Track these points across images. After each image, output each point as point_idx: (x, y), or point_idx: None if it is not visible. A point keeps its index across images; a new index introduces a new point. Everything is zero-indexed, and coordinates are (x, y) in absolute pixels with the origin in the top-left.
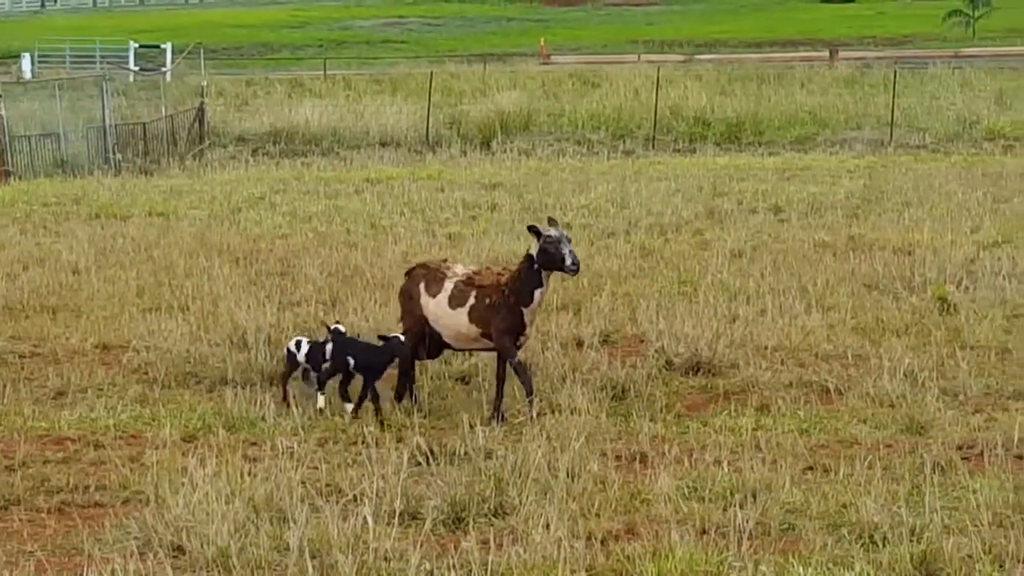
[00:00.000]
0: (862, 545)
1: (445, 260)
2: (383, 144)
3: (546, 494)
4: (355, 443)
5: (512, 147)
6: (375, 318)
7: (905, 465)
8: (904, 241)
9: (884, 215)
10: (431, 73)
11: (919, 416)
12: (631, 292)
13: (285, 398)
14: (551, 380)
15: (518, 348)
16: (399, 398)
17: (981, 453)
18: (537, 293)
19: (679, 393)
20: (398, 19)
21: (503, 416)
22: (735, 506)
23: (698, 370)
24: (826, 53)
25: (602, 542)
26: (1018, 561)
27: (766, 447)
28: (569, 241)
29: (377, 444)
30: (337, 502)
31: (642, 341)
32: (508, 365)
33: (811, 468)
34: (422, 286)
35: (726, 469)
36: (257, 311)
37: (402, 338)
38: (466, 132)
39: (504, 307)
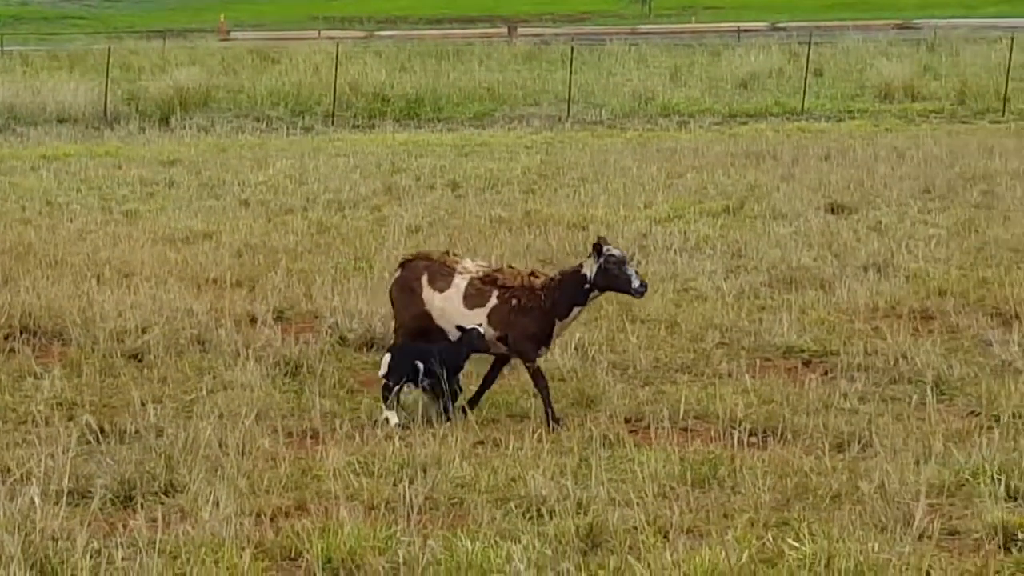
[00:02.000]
0: (529, 518)
1: (448, 252)
2: (60, 121)
3: (216, 471)
4: (24, 422)
5: (191, 124)
6: (47, 295)
7: (574, 438)
8: (579, 216)
9: (560, 191)
10: (109, 49)
11: (589, 390)
12: (307, 268)
13: None
14: (224, 357)
15: (538, 356)
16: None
17: (648, 426)
18: (576, 310)
19: (352, 369)
20: None
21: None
22: (405, 481)
23: (372, 346)
24: (505, 29)
25: (271, 519)
26: (682, 531)
27: (437, 422)
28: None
29: (47, 423)
30: (4, 482)
31: (316, 317)
32: (527, 371)
33: (481, 443)
34: (424, 279)
35: (397, 444)
36: None
37: (480, 330)
38: (145, 109)
39: (537, 311)
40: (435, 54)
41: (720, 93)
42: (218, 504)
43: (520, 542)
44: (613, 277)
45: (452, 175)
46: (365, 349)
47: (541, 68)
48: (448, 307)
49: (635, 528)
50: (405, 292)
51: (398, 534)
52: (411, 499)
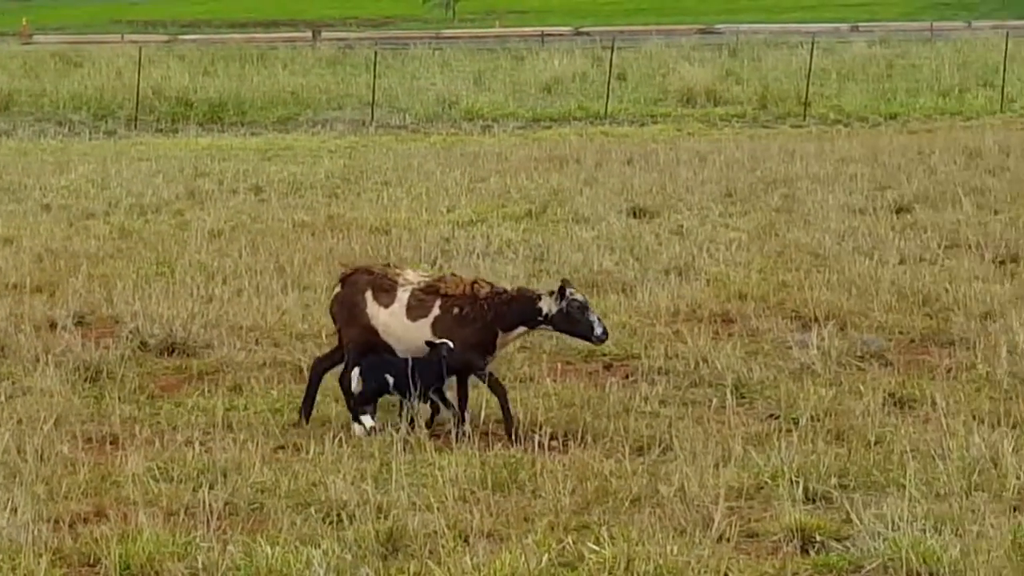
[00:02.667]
0: (330, 523)
1: (388, 264)
2: None
3: (15, 477)
4: None
5: None
6: None
7: (375, 443)
8: (382, 220)
9: (363, 195)
10: None
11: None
12: (108, 273)
13: None
14: (23, 363)
15: (486, 364)
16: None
17: (450, 430)
18: (521, 329)
19: (153, 374)
20: None
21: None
22: (205, 487)
23: (173, 351)
24: (309, 34)
25: (70, 525)
26: (482, 535)
27: (238, 427)
28: None
29: None
30: None
31: (117, 322)
32: (481, 382)
33: (282, 447)
34: (368, 294)
35: (197, 449)
36: None
37: (451, 344)
38: None
39: (480, 322)
40: (239, 58)
41: (524, 97)
42: (16, 511)
43: (320, 547)
44: (575, 322)
45: (255, 179)
46: (166, 354)
47: (345, 72)
48: (393, 321)
49: (435, 532)
50: (347, 308)
51: (197, 540)
52: (211, 505)
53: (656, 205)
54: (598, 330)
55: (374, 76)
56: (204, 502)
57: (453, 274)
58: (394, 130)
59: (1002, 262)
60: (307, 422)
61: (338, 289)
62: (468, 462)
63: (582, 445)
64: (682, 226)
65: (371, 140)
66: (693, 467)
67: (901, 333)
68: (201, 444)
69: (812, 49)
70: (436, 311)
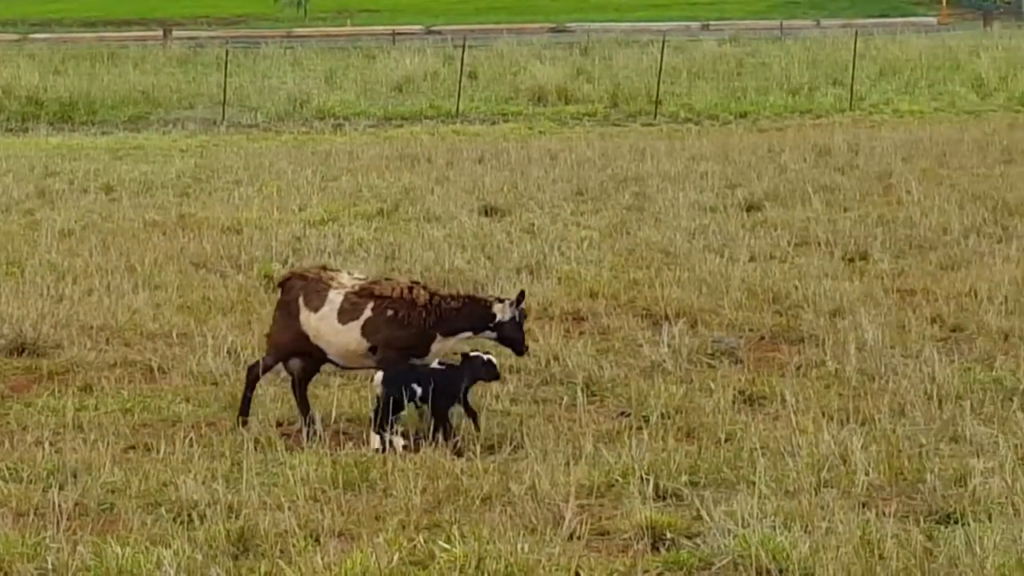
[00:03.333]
0: (180, 523)
1: (324, 267)
2: None
3: None
4: None
5: None
6: None
7: (226, 442)
8: (233, 220)
9: (215, 194)
10: None
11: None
12: None
13: None
14: None
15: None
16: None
17: (300, 429)
18: (466, 335)
19: (2, 374)
20: None
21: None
22: (55, 487)
23: (22, 351)
24: (160, 32)
25: None
26: (333, 534)
27: (88, 427)
28: None
29: None
30: None
31: None
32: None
33: (133, 447)
34: (301, 300)
35: (47, 450)
36: None
37: (492, 359)
38: None
39: (414, 326)
40: (89, 57)
41: (375, 96)
42: None
43: (171, 547)
44: (518, 331)
45: (106, 179)
46: (16, 354)
47: (196, 71)
48: (323, 325)
49: (286, 532)
50: (283, 313)
51: (47, 541)
52: (60, 505)
53: (507, 203)
54: (526, 348)
55: (225, 75)
56: (54, 503)
57: (387, 277)
58: (245, 129)
59: (851, 259)
60: (244, 425)
61: (279, 295)
62: (319, 461)
63: (433, 444)
64: (533, 224)
65: (222, 139)
66: (544, 465)
67: (751, 330)
68: (51, 444)
69: (663, 47)
70: (368, 313)
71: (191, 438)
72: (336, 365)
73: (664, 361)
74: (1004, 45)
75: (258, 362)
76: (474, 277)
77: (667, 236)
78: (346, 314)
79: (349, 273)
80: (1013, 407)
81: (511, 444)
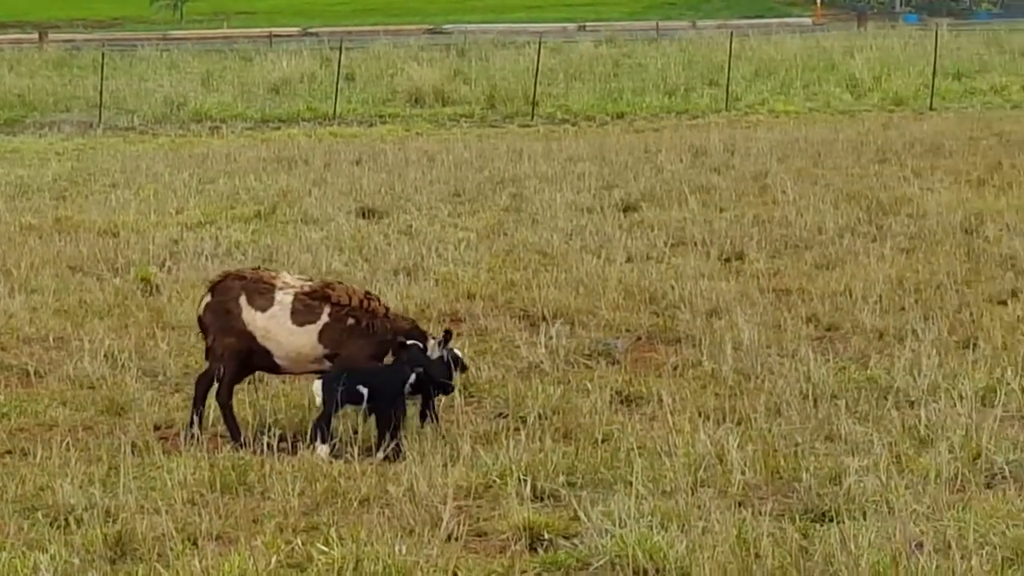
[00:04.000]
0: (57, 527)
1: (259, 268)
2: None
3: None
4: None
5: None
6: None
7: (103, 447)
8: (110, 223)
9: (91, 197)
10: None
11: (118, 397)
12: None
13: None
14: None
15: None
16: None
17: (178, 433)
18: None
19: None
20: None
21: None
22: None
23: None
24: (35, 35)
25: None
26: (211, 538)
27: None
28: None
29: None
30: None
31: None
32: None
33: (10, 452)
34: (243, 299)
35: None
36: None
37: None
38: None
39: (377, 337)
40: None
41: (252, 98)
42: None
43: (47, 552)
44: (438, 376)
45: None
46: None
47: (72, 74)
48: (274, 325)
49: (164, 535)
50: (221, 315)
51: None
52: None
53: (385, 205)
54: (452, 388)
55: (102, 78)
56: None
57: (340, 282)
58: (122, 132)
59: (727, 259)
60: (196, 435)
61: (208, 298)
62: (197, 465)
63: (311, 446)
64: (411, 226)
65: (99, 142)
66: (422, 467)
67: (628, 331)
68: None
69: (539, 49)
70: (325, 318)
71: (68, 442)
72: (271, 371)
73: (541, 362)
74: (878, 45)
75: (204, 373)
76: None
77: (544, 237)
78: (300, 316)
79: (290, 273)
80: (887, 405)
81: (386, 447)
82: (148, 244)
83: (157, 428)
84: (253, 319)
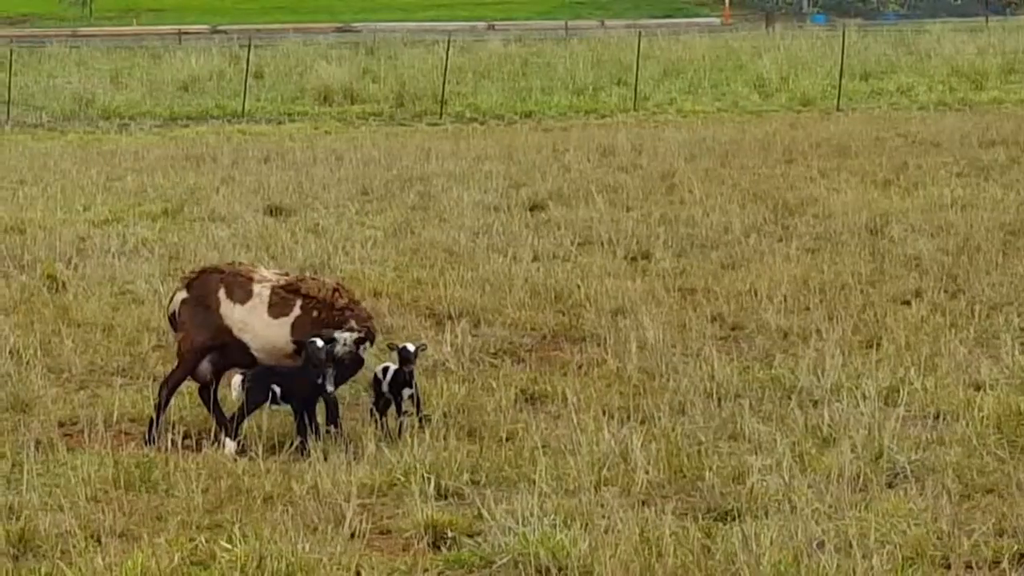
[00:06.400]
0: None
1: (234, 263)
2: None
3: None
4: None
5: None
6: None
7: (7, 443)
8: (16, 219)
9: None
10: None
11: (23, 394)
12: None
13: None
14: None
15: None
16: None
17: (83, 430)
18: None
19: None
20: None
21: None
22: None
23: None
24: None
25: None
26: (114, 535)
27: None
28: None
29: None
30: None
31: None
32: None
33: None
34: (222, 293)
35: None
36: None
37: (411, 347)
38: None
39: (327, 328)
40: None
41: (161, 96)
42: None
43: None
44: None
45: None
46: None
47: None
48: (252, 318)
49: (67, 532)
50: (199, 310)
51: None
52: None
53: (292, 203)
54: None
55: (10, 74)
56: None
57: (313, 276)
58: (30, 128)
59: (634, 259)
60: (155, 443)
61: (184, 294)
62: (101, 462)
63: (215, 444)
64: (318, 224)
65: (6, 138)
66: (326, 465)
67: (533, 329)
68: None
69: (448, 47)
70: (297, 311)
71: None
72: (244, 365)
73: (447, 360)
74: (786, 46)
75: (169, 375)
76: None
77: (451, 236)
78: (276, 308)
79: (266, 267)
80: (791, 405)
81: (292, 445)
82: (55, 241)
83: (62, 425)
84: (231, 312)
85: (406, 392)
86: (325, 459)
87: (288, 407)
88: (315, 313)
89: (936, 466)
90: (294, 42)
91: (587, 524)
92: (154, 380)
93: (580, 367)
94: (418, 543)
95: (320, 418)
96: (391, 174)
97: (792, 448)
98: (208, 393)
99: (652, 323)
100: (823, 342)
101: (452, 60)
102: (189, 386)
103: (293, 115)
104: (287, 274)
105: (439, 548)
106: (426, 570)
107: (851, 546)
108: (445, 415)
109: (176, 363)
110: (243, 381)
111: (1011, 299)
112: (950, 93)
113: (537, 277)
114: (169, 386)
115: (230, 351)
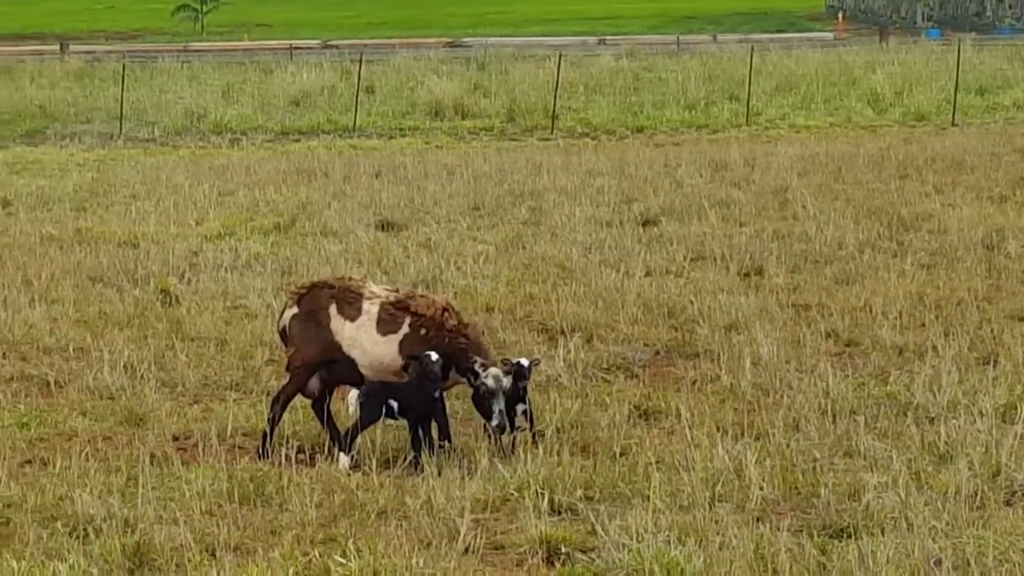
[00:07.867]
0: (76, 537)
1: (344, 277)
2: None
3: None
4: None
5: None
6: None
7: (122, 457)
8: (130, 234)
9: (111, 208)
10: None
11: (137, 408)
12: None
13: None
14: None
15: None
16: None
17: (197, 444)
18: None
19: None
20: None
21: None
22: None
23: None
24: (57, 46)
25: None
26: (228, 549)
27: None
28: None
29: None
30: None
31: None
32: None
33: (30, 462)
34: (333, 308)
35: None
36: None
37: (525, 363)
38: None
39: (439, 350)
40: None
41: (272, 111)
42: None
43: (66, 561)
44: (480, 402)
45: (3, 193)
46: None
47: (93, 86)
48: (361, 335)
49: (182, 546)
50: (310, 324)
51: None
52: None
53: (404, 218)
54: (494, 421)
55: (122, 89)
56: None
57: (423, 293)
58: (142, 143)
59: (746, 274)
60: (268, 457)
61: (294, 309)
62: (215, 475)
63: (329, 458)
64: (430, 239)
65: (119, 153)
66: (439, 480)
67: (647, 345)
68: None
69: (559, 62)
70: (406, 328)
71: (87, 452)
72: (352, 382)
73: (560, 376)
74: (900, 60)
75: (280, 390)
76: None
77: (563, 251)
78: (384, 325)
79: (375, 283)
80: (907, 422)
81: (407, 459)
82: (168, 255)
83: (176, 439)
84: (342, 328)
85: (519, 408)
86: (439, 474)
87: (404, 422)
88: (423, 331)
89: None
90: (404, 57)
91: (702, 540)
92: (267, 394)
93: (694, 383)
94: (532, 559)
95: (433, 433)
96: (502, 189)
97: (908, 465)
98: (321, 407)
99: (766, 339)
100: (939, 359)
101: (563, 75)
102: (302, 401)
103: (404, 130)
104: (397, 290)
105: (553, 564)
106: None
107: (969, 564)
108: (558, 430)
109: (287, 378)
110: (359, 396)
111: None
112: None
113: (650, 292)
114: (281, 401)
115: (339, 367)
